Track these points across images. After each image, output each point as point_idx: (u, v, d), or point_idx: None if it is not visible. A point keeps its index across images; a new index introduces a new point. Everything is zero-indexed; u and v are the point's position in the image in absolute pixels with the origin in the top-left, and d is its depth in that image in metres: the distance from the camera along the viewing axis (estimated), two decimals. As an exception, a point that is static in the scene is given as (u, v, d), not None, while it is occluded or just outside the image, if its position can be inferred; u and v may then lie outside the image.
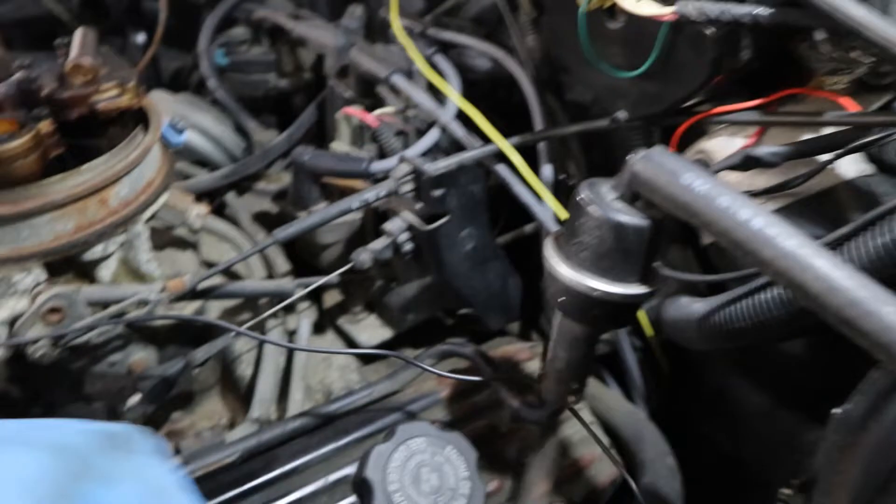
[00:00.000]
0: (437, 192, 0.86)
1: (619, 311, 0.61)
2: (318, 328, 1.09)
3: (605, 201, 0.58)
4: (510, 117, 1.00)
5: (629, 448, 0.91)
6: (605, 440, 0.92)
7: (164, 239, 1.02)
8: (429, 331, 1.12)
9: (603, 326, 0.65)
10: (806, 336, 0.81)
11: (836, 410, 0.63)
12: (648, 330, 0.98)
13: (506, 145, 0.90)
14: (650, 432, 0.92)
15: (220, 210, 1.18)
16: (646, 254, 0.59)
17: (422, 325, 1.09)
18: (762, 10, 0.65)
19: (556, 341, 0.69)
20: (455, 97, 0.95)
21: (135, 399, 0.82)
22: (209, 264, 1.06)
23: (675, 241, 0.96)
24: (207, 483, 0.77)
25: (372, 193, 0.87)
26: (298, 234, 0.84)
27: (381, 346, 1.05)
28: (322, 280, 0.92)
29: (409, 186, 0.88)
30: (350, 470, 0.78)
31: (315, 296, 1.12)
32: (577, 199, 0.59)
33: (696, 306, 0.86)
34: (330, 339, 1.08)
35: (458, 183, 0.87)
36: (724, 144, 0.80)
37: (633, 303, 0.60)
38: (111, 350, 0.87)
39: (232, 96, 1.31)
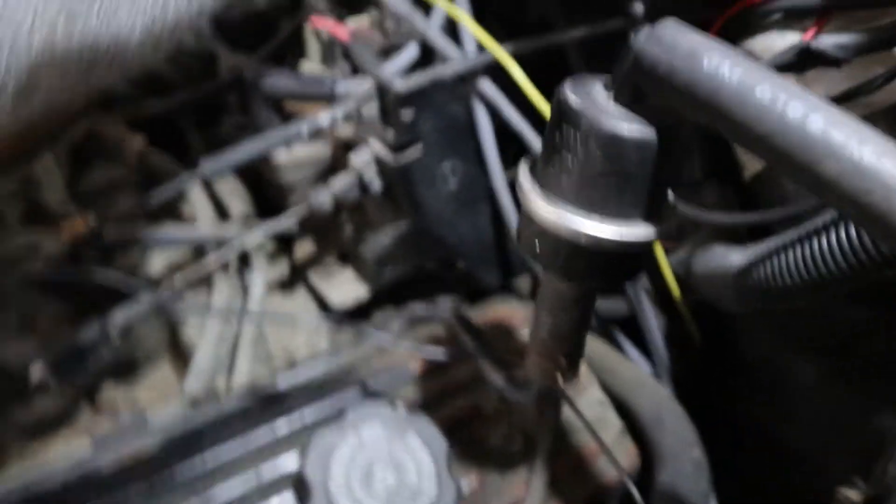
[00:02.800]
0: (407, 114, 0.69)
1: (616, 263, 0.44)
2: (288, 285, 0.94)
3: (596, 103, 0.40)
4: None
5: (647, 435, 0.75)
6: (618, 424, 0.75)
7: (103, 178, 0.87)
8: (418, 286, 0.95)
9: (596, 283, 0.48)
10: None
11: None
12: (674, 289, 0.80)
13: (502, 54, 0.71)
14: (674, 416, 0.75)
15: (179, 146, 1.02)
16: (652, 179, 0.41)
17: (409, 280, 0.93)
18: None
19: (538, 302, 0.52)
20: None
21: (38, 371, 0.68)
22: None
23: (709, 175, 0.77)
24: (117, 476, 0.63)
25: (326, 116, 0.70)
26: (231, 167, 0.67)
27: (357, 306, 0.88)
28: (268, 225, 0.76)
29: (373, 108, 0.71)
30: (290, 462, 0.64)
31: (287, 247, 0.96)
32: (557, 101, 0.41)
33: (732, 258, 0.68)
34: (300, 299, 0.92)
35: (433, 102, 0.70)
36: (775, 42, 0.61)
37: (636, 251, 0.43)
38: (16, 309, 0.72)
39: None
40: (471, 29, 0.73)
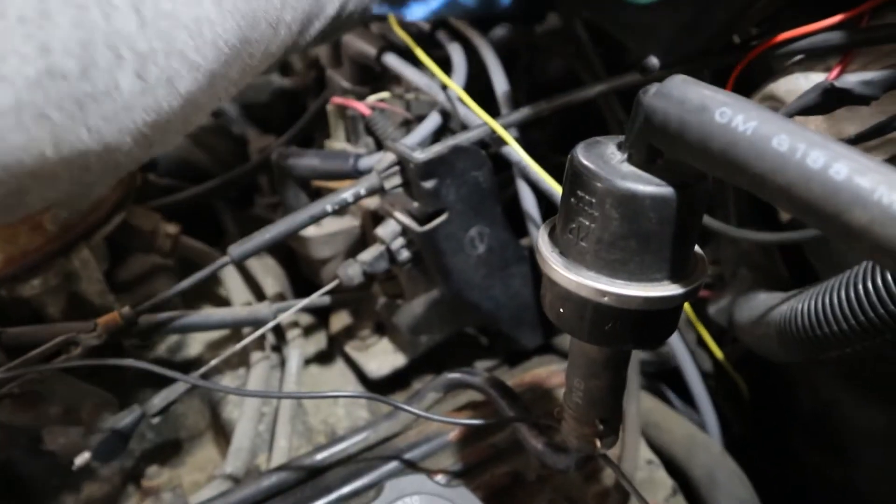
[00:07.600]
0: (429, 184, 0.69)
1: (645, 324, 0.42)
2: (326, 357, 0.93)
3: (609, 165, 0.40)
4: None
5: (702, 494, 0.71)
6: (669, 484, 0.72)
7: (140, 266, 0.89)
8: (457, 352, 0.94)
9: (624, 346, 0.46)
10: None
11: None
12: (714, 348, 0.78)
13: (496, 126, 0.72)
14: (728, 474, 0.72)
15: (216, 229, 1.04)
16: (675, 237, 0.39)
17: (447, 346, 0.92)
18: None
19: (569, 367, 0.50)
20: (438, 72, 0.77)
21: (83, 457, 0.68)
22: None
23: (745, 222, 0.75)
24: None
25: (350, 192, 0.70)
26: (258, 250, 0.68)
27: (394, 375, 0.88)
28: (301, 303, 0.76)
29: (396, 180, 0.71)
30: (331, 539, 0.62)
31: (324, 320, 0.96)
32: (569, 165, 0.41)
33: (776, 305, 0.65)
34: (338, 370, 0.92)
35: (454, 170, 0.70)
36: (800, 84, 0.59)
37: (664, 309, 0.41)
38: (60, 400, 0.73)
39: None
40: (469, 104, 0.74)
